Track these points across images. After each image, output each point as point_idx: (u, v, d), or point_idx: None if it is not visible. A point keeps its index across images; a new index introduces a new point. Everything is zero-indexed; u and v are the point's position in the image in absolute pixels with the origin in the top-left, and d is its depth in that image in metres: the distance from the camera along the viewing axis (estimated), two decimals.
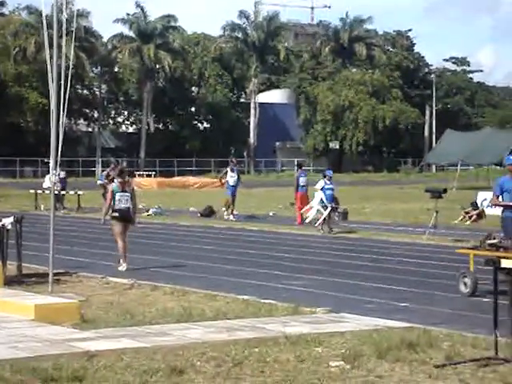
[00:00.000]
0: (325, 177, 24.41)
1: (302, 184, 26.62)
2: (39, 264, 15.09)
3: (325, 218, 23.80)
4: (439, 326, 10.32)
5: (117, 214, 15.42)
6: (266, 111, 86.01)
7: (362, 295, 13.18)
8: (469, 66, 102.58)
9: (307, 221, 24.98)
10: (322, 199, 23.98)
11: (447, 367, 8.23)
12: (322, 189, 24.13)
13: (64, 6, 13.45)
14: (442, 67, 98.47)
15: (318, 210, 24.27)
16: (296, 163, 31.50)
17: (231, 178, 28.62)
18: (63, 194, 32.30)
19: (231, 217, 28.43)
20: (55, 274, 12.92)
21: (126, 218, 15.55)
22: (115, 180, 16.04)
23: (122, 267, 15.81)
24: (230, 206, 28.67)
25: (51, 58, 12.29)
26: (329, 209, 23.83)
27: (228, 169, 29.10)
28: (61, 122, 12.32)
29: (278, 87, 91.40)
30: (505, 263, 8.95)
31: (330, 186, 24.21)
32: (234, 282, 14.44)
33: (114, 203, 15.49)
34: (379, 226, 26.22)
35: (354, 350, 8.77)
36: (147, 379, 7.64)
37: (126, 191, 15.47)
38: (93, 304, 11.67)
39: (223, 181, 29.45)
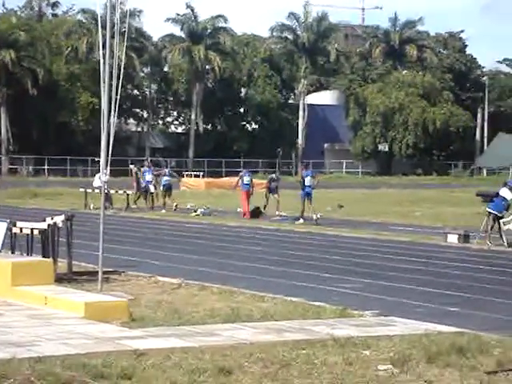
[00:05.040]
0: (505, 185, 22.58)
1: (245, 182, 30.51)
2: (89, 262, 15.26)
3: (492, 228, 21.98)
4: (490, 332, 10.16)
5: None
6: (314, 112, 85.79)
7: (411, 299, 13.05)
8: None
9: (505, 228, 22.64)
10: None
11: (499, 374, 8.09)
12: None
13: (117, 6, 13.52)
14: (495, 69, 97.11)
15: None
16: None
17: None
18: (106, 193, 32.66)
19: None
20: (105, 273, 13.02)
21: None
22: None
23: None
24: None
25: (103, 57, 12.40)
26: (485, 218, 22.19)
27: None
28: (111, 122, 12.41)
29: (327, 88, 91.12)
30: None
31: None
32: (281, 284, 14.40)
33: None
34: (428, 229, 25.96)
35: (402, 354, 8.67)
36: (195, 379, 7.65)
37: None
38: (141, 303, 11.74)
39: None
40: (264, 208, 30.41)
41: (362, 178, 77.16)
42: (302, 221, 27.99)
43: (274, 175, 32.68)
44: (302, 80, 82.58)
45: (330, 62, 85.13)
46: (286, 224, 27.55)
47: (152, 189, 33.22)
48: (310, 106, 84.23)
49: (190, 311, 11.14)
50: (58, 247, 14.05)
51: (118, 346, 8.72)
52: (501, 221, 22.08)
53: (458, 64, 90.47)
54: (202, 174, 64.87)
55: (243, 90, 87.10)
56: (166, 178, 33.20)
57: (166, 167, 38.69)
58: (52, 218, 14.36)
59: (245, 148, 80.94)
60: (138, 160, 72.06)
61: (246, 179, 30.70)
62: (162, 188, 32.99)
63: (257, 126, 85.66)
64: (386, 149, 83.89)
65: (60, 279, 13.20)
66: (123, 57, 12.74)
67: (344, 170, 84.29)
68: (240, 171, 33.20)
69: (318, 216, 27.93)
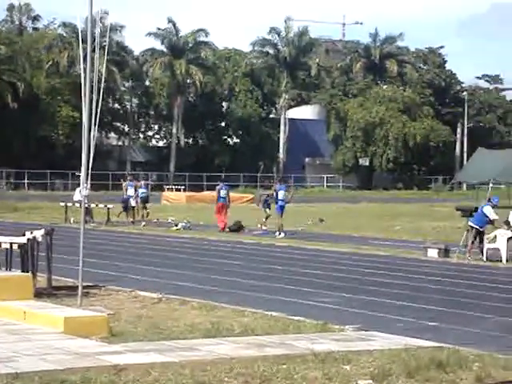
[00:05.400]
0: (489, 201, 22.82)
1: (222, 196, 30.32)
2: (69, 277, 15.17)
3: (473, 242, 22.11)
4: (469, 347, 10.20)
5: None
6: (296, 127, 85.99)
7: (391, 313, 13.07)
8: (501, 83, 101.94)
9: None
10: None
11: None
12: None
13: (98, 21, 13.52)
14: (475, 85, 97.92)
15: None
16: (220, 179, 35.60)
17: None
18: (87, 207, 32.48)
19: None
20: (84, 287, 12.96)
21: None
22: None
23: None
24: None
25: (84, 71, 12.38)
26: (465, 233, 22.39)
27: None
28: (92, 136, 12.38)
29: (308, 103, 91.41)
30: None
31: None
32: (262, 298, 14.39)
33: None
34: (408, 243, 26.03)
35: (382, 369, 8.68)
36: None
37: None
38: (121, 317, 11.68)
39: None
40: (267, 218, 30.34)
41: (342, 192, 77.32)
42: (283, 235, 28.06)
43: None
44: (283, 94, 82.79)
45: (310, 76, 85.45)
46: (267, 238, 27.55)
47: (133, 203, 33.16)
48: (291, 120, 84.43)
49: (171, 326, 11.10)
50: (38, 262, 13.96)
51: (98, 361, 8.67)
52: (484, 237, 22.20)
53: (438, 79, 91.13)
54: (183, 187, 64.76)
55: (224, 104, 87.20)
56: (142, 190, 33.25)
57: (146, 179, 38.66)
58: (32, 233, 14.27)
59: (226, 162, 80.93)
60: (119, 174, 72.30)
61: (223, 192, 30.79)
62: (139, 200, 32.98)
63: (238, 140, 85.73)
64: (367, 163, 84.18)
65: (39, 294, 13.11)
66: (104, 70, 12.74)
67: (325, 184, 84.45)
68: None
69: (282, 235, 28.04)
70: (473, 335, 11.50)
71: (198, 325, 11.20)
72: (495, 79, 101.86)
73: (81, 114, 12.54)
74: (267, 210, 30.50)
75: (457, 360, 9.14)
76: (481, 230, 22.18)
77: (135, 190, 33.29)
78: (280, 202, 28.81)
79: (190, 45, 79.96)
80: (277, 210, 28.89)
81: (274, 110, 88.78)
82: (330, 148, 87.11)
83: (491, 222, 22.43)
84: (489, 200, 23.01)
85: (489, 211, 22.26)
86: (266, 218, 30.33)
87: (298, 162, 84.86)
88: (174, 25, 79.38)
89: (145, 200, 33.13)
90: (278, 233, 28.28)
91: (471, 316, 13.16)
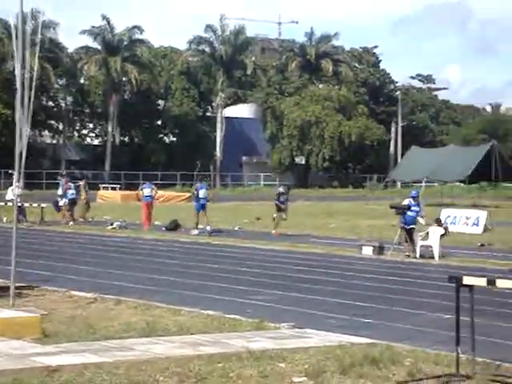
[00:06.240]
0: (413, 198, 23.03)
1: (146, 194, 31.04)
2: (0, 277, 14.91)
3: (406, 240, 22.39)
4: (402, 343, 10.37)
5: None
6: (232, 125, 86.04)
7: (325, 311, 13.20)
8: (434, 83, 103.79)
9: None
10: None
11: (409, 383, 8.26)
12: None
13: (29, 17, 13.34)
14: (408, 84, 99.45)
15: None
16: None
17: None
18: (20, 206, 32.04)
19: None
20: (17, 288, 12.75)
21: None
22: None
23: None
24: None
25: (16, 68, 12.18)
26: (399, 231, 22.64)
27: None
28: (24, 134, 12.19)
29: (244, 102, 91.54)
30: (467, 280, 9.01)
31: (414, 208, 22.58)
32: (198, 297, 14.38)
33: None
34: (343, 241, 26.29)
35: (317, 366, 8.77)
36: None
37: None
38: (55, 318, 11.54)
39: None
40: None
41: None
42: (196, 232, 28.23)
43: (281, 188, 31.82)
44: (220, 93, 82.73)
45: (246, 75, 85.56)
46: (204, 237, 27.52)
47: (61, 203, 32.76)
48: (228, 118, 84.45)
49: (105, 326, 11.01)
50: None
51: (30, 362, 8.55)
52: (418, 234, 22.54)
53: (372, 78, 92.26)
54: (118, 186, 64.18)
55: (161, 103, 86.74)
56: (71, 191, 32.81)
57: (81, 179, 38.16)
58: None
59: (162, 160, 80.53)
60: (53, 173, 71.35)
61: (147, 191, 31.22)
62: (67, 202, 32.52)
63: (174, 139, 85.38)
64: (303, 162, 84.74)
65: None
66: (36, 67, 12.56)
67: (262, 183, 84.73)
68: (156, 184, 33.40)
69: (209, 229, 28.32)
70: (405, 331, 11.69)
71: (133, 324, 11.14)
72: (428, 79, 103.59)
73: (13, 111, 12.37)
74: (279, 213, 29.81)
75: (389, 356, 9.29)
76: (407, 228, 22.47)
77: (65, 191, 32.87)
78: (201, 201, 29.11)
79: (125, 42, 79.26)
80: (196, 208, 29.17)
81: (210, 109, 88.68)
82: (266, 146, 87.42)
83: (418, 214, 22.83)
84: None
85: (405, 201, 22.83)
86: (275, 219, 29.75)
87: (235, 160, 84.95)
88: (109, 22, 78.62)
89: (73, 202, 32.74)
90: (192, 230, 28.43)
91: (403, 312, 13.38)
